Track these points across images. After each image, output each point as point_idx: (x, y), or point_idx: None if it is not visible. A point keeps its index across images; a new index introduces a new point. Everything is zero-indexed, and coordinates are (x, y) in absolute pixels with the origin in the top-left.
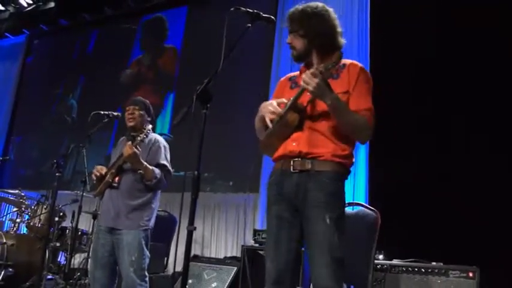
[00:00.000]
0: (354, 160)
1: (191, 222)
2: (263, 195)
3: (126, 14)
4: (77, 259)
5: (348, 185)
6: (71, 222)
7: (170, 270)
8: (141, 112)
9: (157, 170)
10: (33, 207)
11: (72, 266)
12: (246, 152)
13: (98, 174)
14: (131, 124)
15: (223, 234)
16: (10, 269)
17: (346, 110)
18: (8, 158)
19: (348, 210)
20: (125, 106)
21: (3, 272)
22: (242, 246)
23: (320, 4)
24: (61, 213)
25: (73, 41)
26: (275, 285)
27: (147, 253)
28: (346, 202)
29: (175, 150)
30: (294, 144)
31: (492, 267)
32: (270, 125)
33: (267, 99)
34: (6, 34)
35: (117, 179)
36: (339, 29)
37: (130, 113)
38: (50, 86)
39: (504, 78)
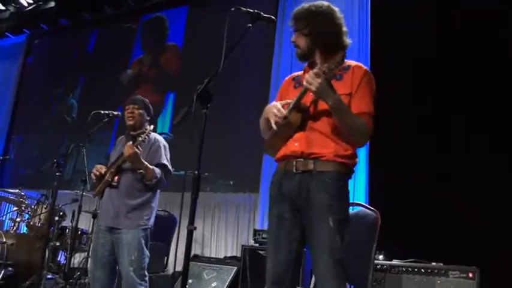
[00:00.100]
0: (357, 160)
1: (191, 221)
2: (263, 195)
3: (126, 14)
4: (77, 258)
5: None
6: (71, 222)
7: (170, 269)
8: (141, 111)
9: (157, 170)
10: (33, 206)
11: (72, 266)
12: (246, 152)
13: (98, 173)
14: (130, 123)
15: (223, 234)
16: (10, 268)
17: (347, 111)
18: (8, 157)
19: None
20: (125, 105)
21: (3, 271)
22: (242, 246)
23: (325, 3)
24: (61, 213)
25: (73, 41)
26: (275, 286)
27: (147, 252)
28: None
29: (175, 149)
30: (296, 144)
31: (492, 267)
32: (274, 127)
33: (267, 99)
34: (7, 34)
35: (116, 178)
36: (344, 29)
37: (129, 112)
38: (50, 85)
39: (504, 78)
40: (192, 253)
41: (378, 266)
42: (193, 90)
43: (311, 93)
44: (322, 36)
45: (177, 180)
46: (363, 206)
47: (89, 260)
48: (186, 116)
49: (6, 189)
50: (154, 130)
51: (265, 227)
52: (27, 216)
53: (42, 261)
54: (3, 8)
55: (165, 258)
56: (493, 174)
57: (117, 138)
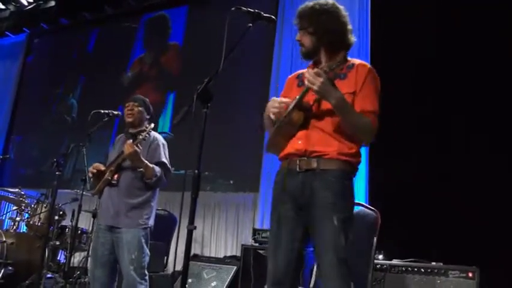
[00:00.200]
0: (361, 159)
1: (191, 221)
2: (263, 194)
3: (126, 13)
4: (77, 258)
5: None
6: (71, 221)
7: (170, 269)
8: (140, 109)
9: (157, 168)
10: (33, 205)
11: (71, 265)
12: (246, 151)
13: (95, 171)
14: (130, 120)
15: (223, 233)
16: (10, 268)
17: (351, 110)
18: (8, 156)
19: None
20: (125, 103)
21: (3, 271)
22: (242, 245)
23: (330, 1)
24: (61, 212)
25: (73, 40)
26: (276, 285)
27: (147, 251)
28: None
29: (175, 149)
30: (299, 142)
31: (492, 267)
32: (272, 117)
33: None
34: (7, 33)
35: (116, 176)
36: (349, 27)
37: (129, 109)
38: (50, 85)
39: (504, 78)
40: (192, 252)
41: (377, 266)
42: (193, 90)
43: (314, 93)
44: (328, 34)
45: (177, 180)
46: (363, 205)
47: (89, 259)
48: (186, 115)
49: (6, 189)
50: (155, 129)
51: (265, 227)
52: (27, 215)
53: (42, 261)
54: (3, 7)
55: (165, 257)
56: (493, 174)
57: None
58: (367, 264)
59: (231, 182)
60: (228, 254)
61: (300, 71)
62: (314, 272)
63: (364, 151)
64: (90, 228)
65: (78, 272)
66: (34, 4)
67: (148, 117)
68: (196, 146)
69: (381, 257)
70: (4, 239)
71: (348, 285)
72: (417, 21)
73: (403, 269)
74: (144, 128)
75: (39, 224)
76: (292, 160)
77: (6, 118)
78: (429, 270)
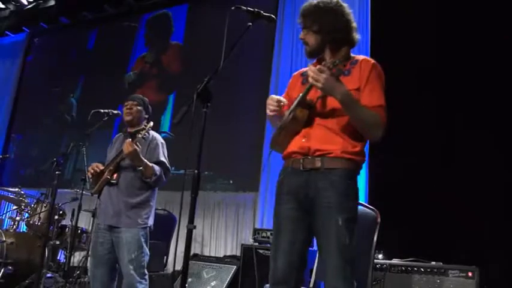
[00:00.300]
0: (365, 158)
1: (191, 220)
2: (263, 194)
3: (126, 12)
4: (77, 257)
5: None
6: (71, 221)
7: (170, 269)
8: (139, 108)
9: (157, 167)
10: (32, 205)
11: (71, 264)
12: (246, 151)
13: (93, 170)
14: (128, 118)
15: (222, 232)
16: (10, 267)
17: (357, 105)
18: (7, 156)
19: None
20: (124, 102)
21: (2, 270)
22: (242, 245)
23: None
24: (61, 212)
25: (73, 39)
26: (278, 285)
27: (147, 251)
28: None
29: (175, 148)
30: (303, 140)
31: (491, 267)
32: (269, 113)
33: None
34: (7, 32)
35: (115, 176)
36: (354, 24)
37: (128, 107)
38: (50, 84)
39: (506, 78)
40: (192, 252)
41: (377, 265)
42: (193, 89)
43: (318, 90)
44: (332, 32)
45: (177, 179)
46: (362, 205)
47: (89, 258)
48: (185, 115)
49: (6, 188)
50: (156, 128)
51: (265, 226)
52: (26, 215)
53: (42, 260)
54: (3, 6)
55: (165, 257)
56: (493, 174)
57: None
58: (366, 264)
59: (231, 181)
60: (228, 253)
61: (304, 69)
62: (314, 272)
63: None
64: (90, 228)
65: (78, 272)
66: (34, 3)
67: (146, 116)
68: (196, 146)
69: (380, 256)
70: (4, 239)
71: (349, 286)
72: (417, 21)
73: (403, 268)
74: (142, 127)
75: (39, 223)
76: (296, 159)
77: (6, 117)
78: (429, 270)
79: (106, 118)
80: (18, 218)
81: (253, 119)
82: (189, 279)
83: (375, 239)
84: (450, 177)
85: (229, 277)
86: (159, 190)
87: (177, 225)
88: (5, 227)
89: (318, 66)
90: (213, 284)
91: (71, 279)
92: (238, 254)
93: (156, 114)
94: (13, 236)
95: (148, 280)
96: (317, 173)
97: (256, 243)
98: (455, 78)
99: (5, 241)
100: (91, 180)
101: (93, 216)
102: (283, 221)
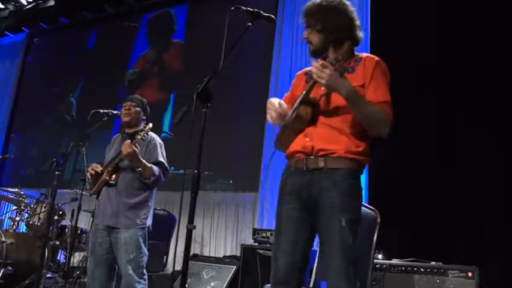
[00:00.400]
0: (369, 158)
1: (191, 220)
2: (263, 194)
3: (126, 12)
4: (76, 257)
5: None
6: (71, 221)
7: (169, 269)
8: (138, 109)
9: (155, 168)
10: (32, 205)
11: (71, 265)
12: (246, 151)
13: (93, 172)
14: (126, 119)
15: (222, 233)
16: (9, 268)
17: (363, 101)
18: (7, 156)
19: None
20: (123, 103)
21: (2, 271)
22: (241, 245)
23: None
24: (60, 212)
25: (73, 39)
26: (279, 286)
27: (145, 251)
28: None
29: (175, 148)
30: (306, 139)
31: (491, 267)
32: (270, 120)
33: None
34: (6, 32)
35: (114, 176)
36: (357, 23)
37: (126, 108)
38: (50, 84)
39: (506, 78)
40: (192, 252)
41: (377, 266)
42: (194, 89)
43: (322, 87)
44: (336, 31)
45: (177, 179)
46: (362, 205)
47: (88, 259)
48: (185, 115)
49: (5, 188)
50: (158, 128)
51: (265, 226)
52: (26, 215)
53: (42, 261)
54: (2, 6)
55: (165, 257)
56: (493, 174)
57: None
58: (366, 264)
59: (231, 181)
60: (228, 253)
61: (308, 68)
62: (314, 272)
63: None
64: (90, 228)
65: (78, 272)
66: (33, 3)
67: (145, 117)
68: (196, 146)
69: (380, 256)
70: (4, 239)
71: (354, 286)
72: (417, 20)
73: (403, 268)
74: (141, 128)
75: (38, 223)
76: (299, 159)
77: (5, 117)
78: (429, 270)
79: (106, 118)
80: (17, 219)
81: (253, 119)
82: (189, 280)
83: (375, 239)
84: (450, 177)
85: (229, 277)
86: (159, 190)
87: (176, 226)
88: (4, 227)
89: (321, 62)
90: (212, 284)
91: (70, 280)
92: (238, 254)
93: (158, 113)
94: (13, 237)
95: (147, 280)
96: (320, 173)
97: (256, 244)
98: (455, 78)
99: (4, 241)
100: (90, 181)
101: (93, 216)
102: (285, 221)
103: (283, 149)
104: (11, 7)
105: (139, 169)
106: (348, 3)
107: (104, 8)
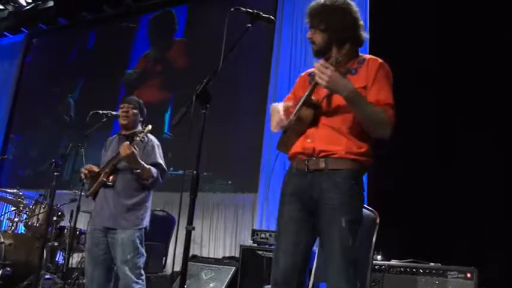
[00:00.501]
0: (371, 160)
1: (190, 221)
2: (262, 195)
3: (125, 13)
4: (75, 258)
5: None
6: (69, 222)
7: (168, 270)
8: (135, 111)
9: (154, 169)
10: (31, 206)
11: (70, 266)
12: (245, 152)
13: (86, 171)
14: (124, 122)
15: (221, 234)
16: (8, 269)
17: (364, 102)
18: (6, 157)
19: None
20: (120, 104)
21: (1, 272)
22: (241, 246)
23: None
24: (59, 213)
25: (72, 40)
26: (279, 286)
27: (143, 252)
28: None
29: (174, 149)
30: (308, 141)
31: (490, 267)
32: (274, 130)
33: (265, 99)
34: (5, 33)
35: (111, 178)
36: (361, 22)
37: (124, 110)
38: (49, 85)
39: (506, 78)
40: (191, 253)
41: (376, 267)
42: (194, 89)
43: (324, 88)
44: (340, 31)
45: (176, 180)
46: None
47: (85, 260)
48: (184, 116)
49: (4, 189)
50: (159, 127)
51: (264, 227)
52: (25, 216)
53: (40, 262)
54: (1, 7)
55: (164, 258)
56: (492, 175)
57: None
58: (365, 265)
59: (230, 182)
60: (227, 254)
61: (312, 69)
62: (313, 273)
63: None
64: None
65: (77, 273)
66: (33, 4)
67: (141, 119)
68: (195, 147)
69: (379, 257)
70: (2, 240)
71: (355, 287)
72: (416, 20)
73: (402, 269)
74: (140, 129)
75: (37, 224)
76: (301, 160)
77: (4, 118)
78: (428, 271)
79: (105, 119)
80: (16, 219)
81: (252, 120)
82: (188, 281)
83: (374, 240)
84: (449, 178)
85: (228, 278)
86: (158, 191)
87: (176, 227)
88: (3, 228)
89: (322, 62)
90: (211, 285)
91: (69, 281)
92: (237, 255)
93: (159, 112)
94: (11, 238)
95: (145, 281)
96: (321, 174)
97: (255, 245)
98: (455, 78)
99: (3, 242)
100: (85, 182)
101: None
102: (286, 222)
103: (286, 150)
104: (10, 8)
105: (138, 171)
106: (352, 3)
107: (103, 8)
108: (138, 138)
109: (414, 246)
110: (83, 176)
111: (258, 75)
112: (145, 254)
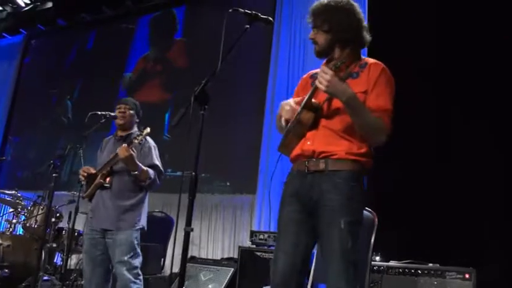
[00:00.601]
0: (372, 160)
1: (188, 223)
2: (260, 196)
3: (124, 14)
4: (74, 260)
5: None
6: (68, 223)
7: (167, 271)
8: (131, 112)
9: (151, 171)
10: (29, 208)
11: (68, 267)
12: (243, 153)
13: (85, 174)
14: (121, 122)
15: (220, 235)
16: (6, 270)
17: (362, 109)
18: (4, 158)
19: None
20: (116, 104)
21: None
22: (239, 247)
23: None
24: (57, 214)
25: (71, 41)
26: (280, 287)
27: (139, 252)
28: None
29: (173, 150)
30: (308, 143)
31: (489, 268)
32: (283, 124)
33: (264, 101)
34: (4, 34)
35: (108, 179)
36: (364, 24)
37: (121, 111)
38: (48, 86)
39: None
40: (189, 254)
41: (374, 267)
42: (193, 91)
43: (323, 92)
44: (343, 32)
45: (174, 181)
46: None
47: (83, 261)
48: (183, 117)
49: (2, 191)
50: (160, 127)
51: (263, 228)
52: (23, 217)
53: (39, 263)
54: (0, 8)
55: (162, 259)
56: (491, 176)
57: None
58: (364, 266)
59: (228, 183)
60: (225, 255)
61: (314, 71)
62: (311, 274)
63: None
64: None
65: (75, 275)
66: (31, 5)
67: (137, 120)
68: (194, 148)
69: (378, 258)
70: (0, 242)
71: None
72: (415, 17)
73: (400, 270)
74: (137, 132)
75: (35, 226)
76: (301, 161)
77: (3, 119)
78: (426, 272)
79: (103, 120)
80: (14, 221)
81: (251, 121)
82: (186, 282)
83: (372, 241)
84: (447, 178)
85: (227, 279)
86: (157, 192)
87: (174, 228)
88: (1, 229)
89: (322, 68)
90: (210, 286)
91: (67, 282)
92: (236, 256)
93: (160, 112)
94: (9, 239)
95: (142, 281)
96: (321, 175)
97: (254, 246)
98: (455, 78)
99: (1, 244)
100: (83, 184)
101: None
102: (286, 223)
103: (287, 153)
104: (8, 9)
105: (136, 173)
106: (355, 4)
107: (102, 9)
108: (136, 141)
109: (413, 247)
110: (81, 178)
111: (256, 76)
112: (141, 254)
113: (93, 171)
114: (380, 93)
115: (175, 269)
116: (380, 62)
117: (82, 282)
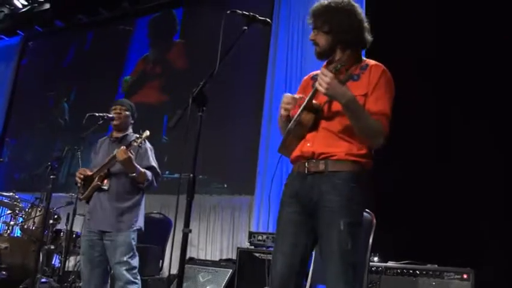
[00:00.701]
0: (372, 161)
1: (186, 224)
2: (258, 197)
3: (121, 16)
4: (72, 262)
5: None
6: (66, 225)
7: (165, 273)
8: (127, 113)
9: (149, 173)
10: (27, 209)
11: (66, 269)
12: (241, 154)
13: (82, 176)
14: (116, 123)
15: (218, 236)
16: (3, 272)
17: (361, 111)
18: (1, 160)
19: None
20: (112, 105)
21: None
22: (237, 248)
23: None
24: (55, 216)
25: (68, 43)
26: None
27: (136, 252)
28: None
29: (170, 152)
30: (308, 144)
31: (487, 269)
32: (283, 113)
33: (262, 102)
34: (1, 35)
35: (105, 181)
36: (366, 25)
37: (117, 112)
38: (45, 88)
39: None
40: (188, 256)
41: (373, 268)
42: (189, 93)
43: (323, 94)
44: (344, 33)
45: (172, 183)
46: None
47: (81, 263)
48: (181, 118)
49: (0, 193)
50: (159, 129)
51: (261, 230)
52: (21, 219)
53: (36, 265)
54: None
55: (160, 261)
56: (490, 177)
57: None
58: (362, 267)
59: (225, 185)
60: (224, 257)
61: (315, 72)
62: (310, 276)
63: None
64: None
65: (73, 276)
66: (29, 6)
67: (132, 122)
68: (192, 149)
69: (376, 259)
70: None
71: None
72: (416, 19)
73: (399, 271)
74: (134, 134)
75: (33, 228)
76: (301, 163)
77: (0, 121)
78: (424, 272)
79: (101, 122)
80: (12, 223)
81: (249, 123)
82: (185, 283)
83: (371, 241)
84: (446, 179)
85: (225, 281)
86: (155, 193)
87: (172, 229)
88: None
89: (322, 70)
90: (208, 287)
91: (65, 284)
92: (234, 257)
93: (158, 114)
94: (7, 241)
95: (140, 281)
96: (321, 176)
97: (252, 247)
98: (455, 78)
99: None
100: (79, 186)
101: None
102: (285, 224)
103: (287, 154)
104: (6, 10)
105: (133, 175)
106: (356, 4)
107: (99, 11)
108: (135, 144)
109: (411, 247)
110: (78, 180)
111: (254, 78)
112: (137, 255)
113: (89, 172)
114: (379, 96)
115: (174, 271)
116: (381, 64)
117: (80, 284)
